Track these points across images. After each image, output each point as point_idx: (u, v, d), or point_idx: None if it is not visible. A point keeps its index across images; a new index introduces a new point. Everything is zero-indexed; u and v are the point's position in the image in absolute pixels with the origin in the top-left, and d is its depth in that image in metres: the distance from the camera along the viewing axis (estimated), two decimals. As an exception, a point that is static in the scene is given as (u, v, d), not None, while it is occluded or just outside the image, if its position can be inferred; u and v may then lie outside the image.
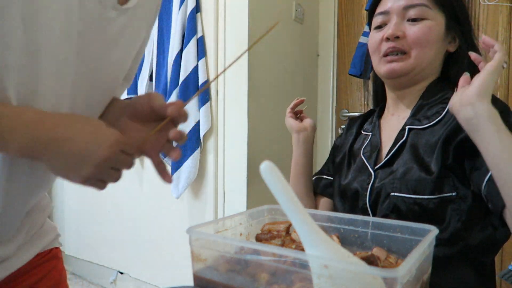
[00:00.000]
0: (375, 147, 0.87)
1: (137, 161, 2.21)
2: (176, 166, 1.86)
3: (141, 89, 2.05)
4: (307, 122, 1.01)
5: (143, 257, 2.20)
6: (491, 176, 0.66)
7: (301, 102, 1.04)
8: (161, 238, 2.11)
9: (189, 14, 1.83)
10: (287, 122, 1.02)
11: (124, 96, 2.11)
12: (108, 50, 0.60)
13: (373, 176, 0.82)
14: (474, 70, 0.80)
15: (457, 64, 0.84)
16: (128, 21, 0.60)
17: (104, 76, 0.62)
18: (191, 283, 0.50)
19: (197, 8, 1.85)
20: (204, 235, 0.51)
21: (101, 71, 0.61)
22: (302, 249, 0.42)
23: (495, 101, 0.67)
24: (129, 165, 0.57)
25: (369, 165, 0.85)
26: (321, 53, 2.26)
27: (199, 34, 1.85)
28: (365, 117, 1.02)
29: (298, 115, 1.05)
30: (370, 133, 0.92)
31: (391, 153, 0.81)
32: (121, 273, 2.35)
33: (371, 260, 0.47)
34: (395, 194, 0.75)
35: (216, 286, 0.47)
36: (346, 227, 0.59)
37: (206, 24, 1.86)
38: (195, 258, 0.50)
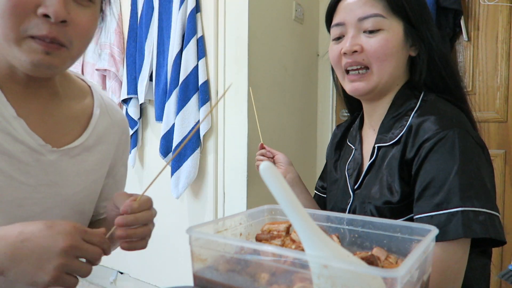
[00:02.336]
0: (357, 164, 0.88)
1: (137, 160, 2.22)
2: (176, 166, 1.86)
3: (141, 89, 2.05)
4: (279, 159, 1.03)
5: (143, 257, 2.20)
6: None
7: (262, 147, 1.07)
8: (161, 238, 2.11)
9: (189, 14, 1.83)
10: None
11: (124, 96, 2.11)
12: (54, 187, 0.68)
13: (351, 198, 0.85)
14: (435, 74, 0.82)
15: (418, 67, 0.82)
16: (75, 158, 0.71)
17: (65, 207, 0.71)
18: (191, 283, 0.50)
19: (197, 8, 1.85)
20: (204, 235, 0.51)
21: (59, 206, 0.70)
22: (302, 249, 0.42)
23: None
24: (96, 255, 0.55)
25: (350, 185, 0.86)
26: (321, 53, 2.26)
27: (199, 34, 1.84)
28: (349, 124, 1.02)
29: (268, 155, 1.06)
30: (354, 147, 0.92)
31: (363, 174, 0.83)
32: (121, 273, 2.35)
33: (371, 260, 0.47)
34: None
35: (216, 286, 0.47)
36: (346, 227, 0.59)
37: (206, 24, 1.86)
38: (195, 258, 0.50)
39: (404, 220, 0.74)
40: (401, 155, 0.75)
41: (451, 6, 1.74)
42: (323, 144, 2.24)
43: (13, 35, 0.55)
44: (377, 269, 0.38)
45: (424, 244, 0.45)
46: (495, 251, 1.79)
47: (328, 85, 2.23)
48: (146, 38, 2.06)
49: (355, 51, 0.79)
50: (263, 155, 1.06)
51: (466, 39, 1.83)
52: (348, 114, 1.04)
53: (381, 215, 0.76)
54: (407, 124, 0.77)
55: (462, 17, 1.79)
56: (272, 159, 1.05)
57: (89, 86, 0.79)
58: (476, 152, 0.71)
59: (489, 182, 0.71)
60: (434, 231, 0.50)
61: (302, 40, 2.11)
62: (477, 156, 0.71)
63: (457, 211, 0.66)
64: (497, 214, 0.68)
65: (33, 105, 0.66)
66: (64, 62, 0.61)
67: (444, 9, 1.77)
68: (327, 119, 2.23)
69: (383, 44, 0.77)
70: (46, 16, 0.55)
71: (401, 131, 0.77)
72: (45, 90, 0.68)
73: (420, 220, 0.69)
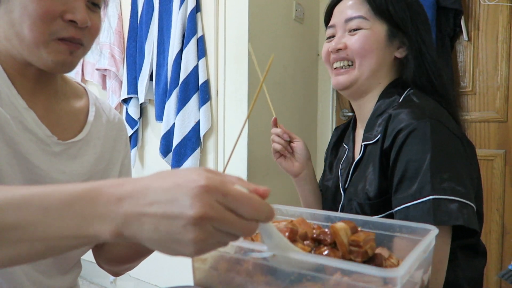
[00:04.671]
0: (348, 163, 0.89)
1: (137, 160, 2.22)
2: (176, 165, 1.87)
3: (141, 89, 2.05)
4: (298, 150, 0.97)
5: (143, 257, 2.20)
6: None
7: (275, 120, 1.02)
8: (161, 238, 2.11)
9: (189, 14, 1.83)
10: (280, 165, 0.98)
11: (124, 96, 2.11)
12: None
13: (343, 197, 0.86)
14: (422, 75, 0.84)
15: (406, 69, 0.85)
16: (78, 151, 0.75)
17: None
18: (191, 283, 0.50)
19: (197, 8, 1.85)
20: (204, 235, 0.51)
21: None
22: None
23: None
24: (244, 231, 0.38)
25: (341, 185, 0.88)
26: (321, 53, 2.26)
27: (199, 34, 1.85)
28: (346, 126, 1.03)
29: (288, 141, 1.00)
30: (347, 147, 0.94)
31: (350, 172, 0.85)
32: (121, 273, 2.35)
33: (377, 261, 0.47)
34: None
35: (216, 286, 0.47)
36: (346, 227, 0.59)
37: (206, 24, 1.86)
38: (195, 258, 0.50)
39: (383, 216, 0.75)
40: (380, 147, 0.76)
41: (451, 6, 1.74)
42: (323, 144, 2.24)
43: (42, 38, 0.63)
44: (377, 269, 0.38)
45: (424, 244, 0.45)
46: (495, 251, 1.79)
47: (328, 85, 2.23)
48: (146, 38, 2.07)
49: (339, 49, 0.86)
50: (279, 136, 1.00)
51: (466, 39, 1.83)
52: (350, 114, 1.06)
53: (363, 211, 0.77)
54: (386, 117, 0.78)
55: (462, 17, 1.79)
56: (288, 143, 1.00)
57: (83, 87, 0.85)
58: (450, 143, 0.72)
59: (467, 173, 0.71)
60: (434, 231, 0.50)
61: (302, 40, 2.11)
62: (451, 146, 0.71)
63: (428, 200, 0.66)
64: (470, 203, 0.67)
65: (39, 100, 0.72)
66: (79, 60, 0.71)
67: (444, 9, 1.77)
68: (327, 119, 2.23)
69: (362, 40, 0.83)
70: (72, 21, 0.64)
71: (382, 126, 0.78)
72: (50, 88, 0.74)
73: (399, 213, 0.70)
